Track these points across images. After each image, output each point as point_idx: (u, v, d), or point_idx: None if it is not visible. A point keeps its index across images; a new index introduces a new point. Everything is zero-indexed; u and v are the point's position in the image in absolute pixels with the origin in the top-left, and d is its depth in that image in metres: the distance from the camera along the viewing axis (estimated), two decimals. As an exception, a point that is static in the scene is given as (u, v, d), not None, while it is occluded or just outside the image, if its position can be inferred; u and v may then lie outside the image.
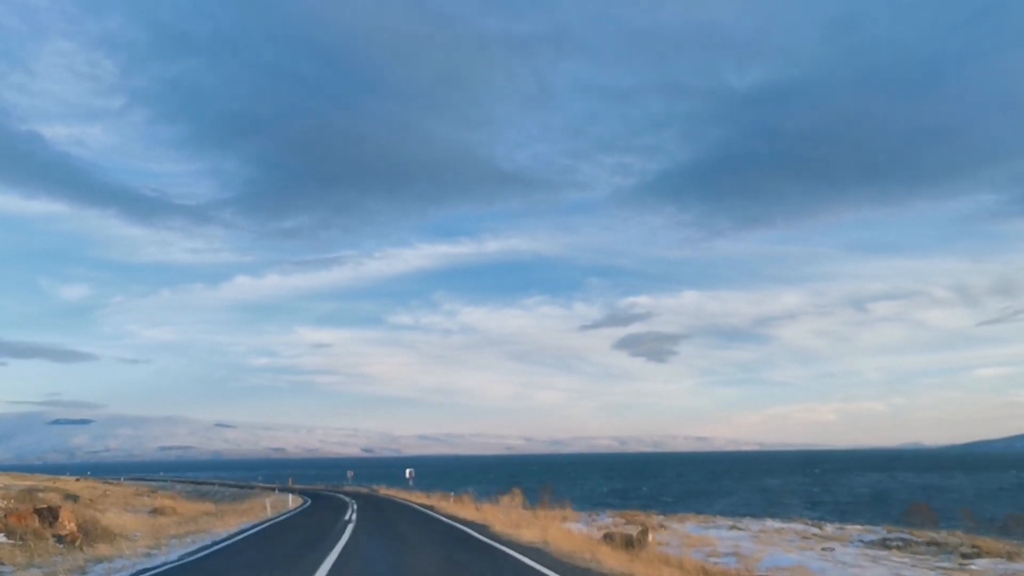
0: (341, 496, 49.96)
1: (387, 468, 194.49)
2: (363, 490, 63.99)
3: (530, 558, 15.11)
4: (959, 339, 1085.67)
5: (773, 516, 38.39)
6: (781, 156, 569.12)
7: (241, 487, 71.18)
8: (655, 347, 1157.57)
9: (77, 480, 75.68)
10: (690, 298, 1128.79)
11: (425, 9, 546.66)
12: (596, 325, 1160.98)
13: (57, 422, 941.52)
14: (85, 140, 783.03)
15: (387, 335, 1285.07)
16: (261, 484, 77.50)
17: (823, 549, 21.60)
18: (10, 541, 17.03)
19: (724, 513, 43.27)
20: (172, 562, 15.38)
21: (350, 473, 74.93)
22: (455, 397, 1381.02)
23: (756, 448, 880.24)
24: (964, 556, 20.17)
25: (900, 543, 23.08)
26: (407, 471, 58.30)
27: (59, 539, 18.23)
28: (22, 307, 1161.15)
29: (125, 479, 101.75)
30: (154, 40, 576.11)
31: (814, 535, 26.95)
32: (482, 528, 22.96)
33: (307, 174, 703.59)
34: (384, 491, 58.33)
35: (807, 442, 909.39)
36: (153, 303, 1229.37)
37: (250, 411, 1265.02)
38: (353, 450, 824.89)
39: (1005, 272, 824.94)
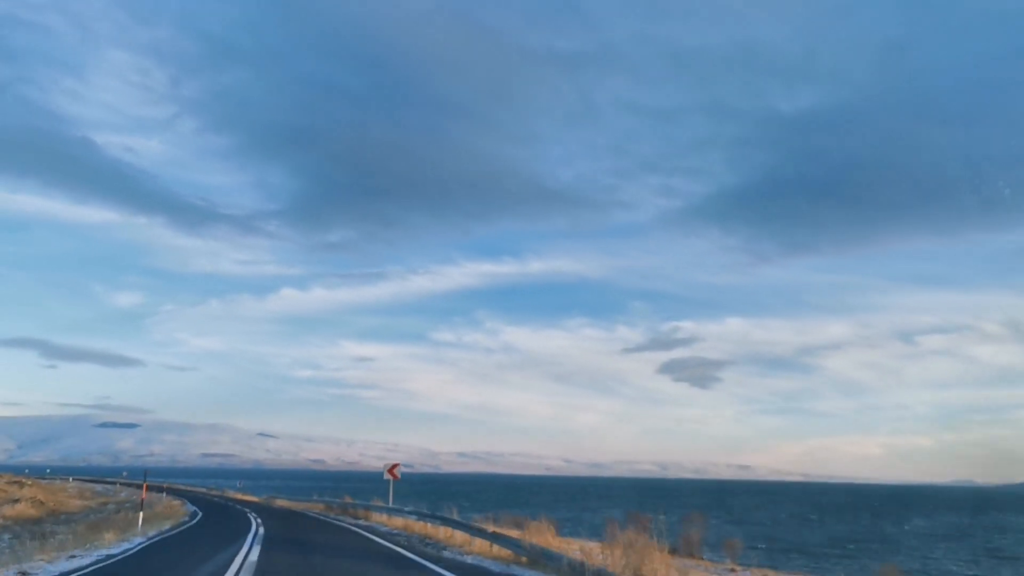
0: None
1: (428, 484, 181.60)
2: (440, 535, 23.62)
3: None
4: (1012, 375, 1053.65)
5: None
6: (829, 182, 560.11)
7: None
8: (698, 373, 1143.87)
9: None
10: (734, 325, 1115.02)
11: (470, 23, 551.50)
12: (639, 349, 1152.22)
13: (104, 425, 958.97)
14: (136, 148, 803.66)
15: (429, 351, 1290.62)
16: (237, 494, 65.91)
17: None
18: None
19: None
20: None
21: (393, 468, 34.85)
22: (495, 416, 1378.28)
23: (801, 479, 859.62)
24: None
25: None
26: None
27: None
28: (75, 312, 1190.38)
29: (74, 479, 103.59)
30: (203, 51, 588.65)
31: None
32: None
33: (351, 187, 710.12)
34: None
35: (852, 475, 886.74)
36: (202, 312, 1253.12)
37: (292, 422, 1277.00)
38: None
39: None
